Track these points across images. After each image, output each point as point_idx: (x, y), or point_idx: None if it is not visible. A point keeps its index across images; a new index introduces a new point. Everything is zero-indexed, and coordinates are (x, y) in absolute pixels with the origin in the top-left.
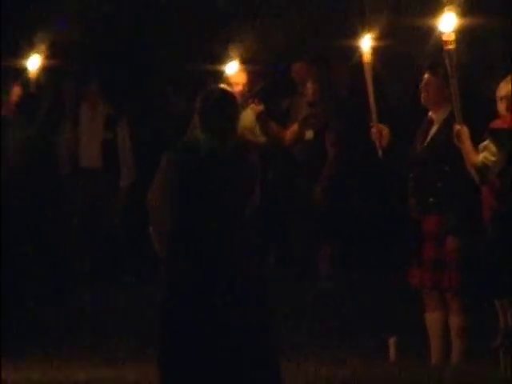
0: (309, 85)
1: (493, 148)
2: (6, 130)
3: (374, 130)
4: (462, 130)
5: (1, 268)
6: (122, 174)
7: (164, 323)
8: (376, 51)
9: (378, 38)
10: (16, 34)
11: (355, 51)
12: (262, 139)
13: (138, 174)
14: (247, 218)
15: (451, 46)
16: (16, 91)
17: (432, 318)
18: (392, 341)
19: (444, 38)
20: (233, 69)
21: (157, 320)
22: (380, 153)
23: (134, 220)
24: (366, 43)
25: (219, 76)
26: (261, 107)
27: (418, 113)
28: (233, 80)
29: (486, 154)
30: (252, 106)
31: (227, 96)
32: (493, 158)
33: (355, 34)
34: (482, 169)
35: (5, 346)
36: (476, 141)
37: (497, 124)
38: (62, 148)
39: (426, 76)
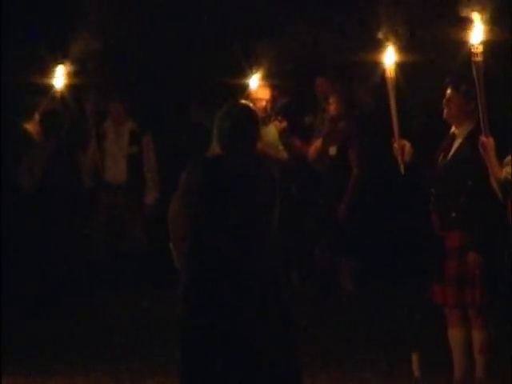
0: (331, 100)
1: None
2: (30, 146)
3: (396, 145)
4: (488, 141)
5: (20, 280)
6: (147, 191)
7: (183, 339)
8: (399, 66)
9: (402, 53)
10: (41, 51)
11: (378, 66)
12: (285, 155)
13: (163, 189)
14: (270, 234)
15: (479, 58)
16: (44, 108)
17: (455, 335)
18: (415, 356)
19: (472, 49)
20: (255, 83)
21: (176, 335)
22: (402, 169)
23: (157, 235)
24: (389, 58)
25: (243, 90)
26: (284, 124)
27: (441, 128)
28: (256, 95)
29: (508, 168)
30: (275, 122)
31: (246, 112)
32: None
33: (378, 49)
34: (505, 184)
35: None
36: (503, 155)
37: None
38: (85, 163)
39: (449, 91)
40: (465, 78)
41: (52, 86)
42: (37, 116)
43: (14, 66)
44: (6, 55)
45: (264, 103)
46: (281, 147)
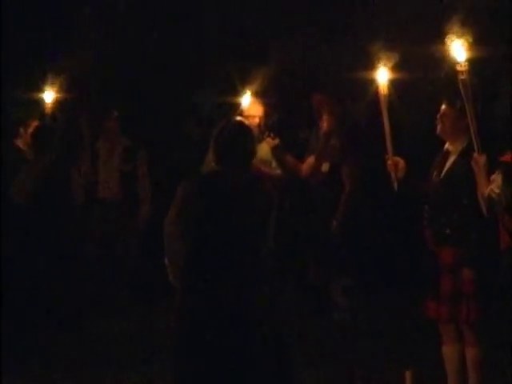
0: (324, 117)
1: (499, 181)
2: (21, 162)
3: (389, 162)
4: (479, 158)
5: (17, 296)
6: (141, 206)
7: (177, 353)
8: (392, 83)
9: (395, 70)
10: (33, 66)
11: (371, 83)
12: (278, 171)
13: (157, 205)
14: (264, 251)
15: (465, 76)
16: (33, 125)
17: (449, 351)
18: (408, 373)
19: (458, 68)
20: (247, 101)
21: (170, 349)
22: (395, 185)
23: (151, 251)
24: (382, 75)
25: (235, 108)
26: (276, 141)
27: (435, 144)
28: (249, 112)
29: (492, 185)
30: (267, 140)
31: (243, 129)
32: (497, 191)
33: (371, 66)
34: (488, 200)
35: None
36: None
37: (507, 157)
38: (77, 179)
39: (443, 107)
40: (460, 95)
41: (43, 102)
42: (22, 131)
43: (4, 81)
44: None
45: (257, 120)
46: (274, 164)
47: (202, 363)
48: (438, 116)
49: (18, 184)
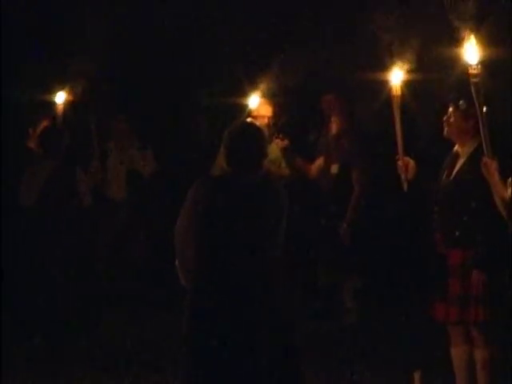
0: (333, 118)
1: None
2: (31, 163)
3: (399, 163)
4: (490, 162)
5: (26, 296)
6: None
7: (188, 355)
8: (404, 84)
9: (407, 71)
10: (44, 67)
11: (383, 84)
12: (286, 172)
13: (166, 206)
14: (275, 252)
15: (477, 79)
16: (44, 125)
17: (457, 353)
18: (417, 375)
19: (470, 70)
20: (255, 102)
21: (180, 351)
22: (405, 186)
23: (160, 251)
24: (396, 76)
25: (244, 108)
26: (285, 142)
27: (446, 146)
28: (258, 113)
29: None
30: (277, 140)
31: (253, 130)
32: None
33: (383, 67)
34: (510, 204)
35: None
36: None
37: None
38: (86, 181)
39: (450, 109)
40: (465, 96)
41: (53, 103)
42: (32, 132)
43: (15, 82)
44: (7, 71)
45: (266, 120)
46: (283, 165)
47: (212, 364)
48: (445, 118)
49: (24, 186)
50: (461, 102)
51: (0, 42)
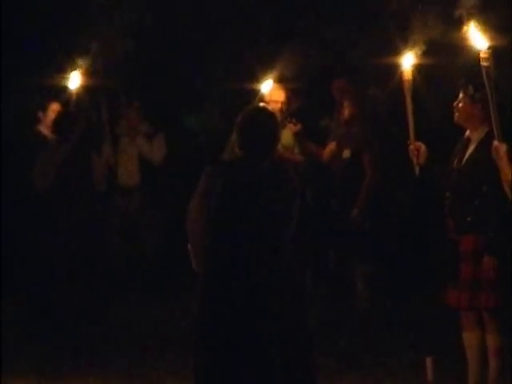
0: (346, 103)
1: None
2: (43, 147)
3: (411, 147)
4: (501, 146)
5: (38, 282)
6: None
7: (199, 339)
8: (416, 68)
9: (419, 56)
10: (56, 52)
11: (395, 68)
12: (300, 157)
13: (178, 191)
14: (287, 237)
15: (488, 63)
16: (54, 109)
17: (469, 338)
18: (429, 360)
19: (481, 54)
20: (268, 87)
21: (192, 335)
22: (417, 171)
23: (172, 237)
24: (408, 61)
25: (257, 94)
26: (298, 126)
27: (457, 131)
28: (271, 98)
29: None
30: (289, 125)
31: (266, 115)
32: None
33: (395, 51)
34: None
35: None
36: None
37: None
38: (99, 166)
39: (460, 95)
40: (473, 81)
41: (66, 88)
42: (42, 116)
43: (28, 67)
44: (19, 56)
45: (279, 105)
46: (296, 150)
47: (223, 349)
48: (455, 104)
49: (38, 170)
50: (469, 87)
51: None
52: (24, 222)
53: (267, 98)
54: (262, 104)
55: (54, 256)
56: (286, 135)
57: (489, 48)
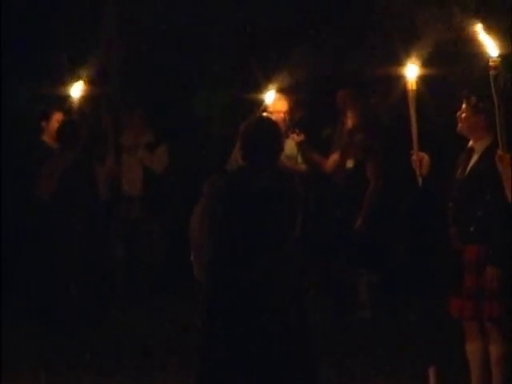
0: (349, 113)
1: None
2: (47, 156)
3: (414, 157)
4: (505, 156)
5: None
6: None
7: (202, 349)
8: (420, 79)
9: (423, 66)
10: (59, 60)
11: (399, 78)
12: (302, 167)
13: (180, 201)
14: (290, 247)
15: (496, 72)
16: (56, 118)
17: (472, 348)
18: (432, 370)
19: (490, 62)
20: (271, 97)
21: (195, 345)
22: (420, 181)
23: (176, 246)
24: (412, 71)
25: (259, 104)
26: (302, 136)
27: (460, 141)
28: (274, 108)
29: None
30: (293, 135)
31: (270, 125)
32: None
33: (399, 62)
34: None
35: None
36: None
37: None
38: (102, 175)
39: (463, 105)
40: (476, 91)
41: (69, 97)
42: (45, 125)
43: (31, 75)
44: (22, 65)
45: (282, 115)
46: (299, 160)
47: (226, 359)
48: (458, 114)
49: (42, 179)
50: (471, 97)
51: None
52: (26, 226)
53: (270, 109)
54: (264, 114)
55: (55, 262)
56: (289, 145)
57: (498, 56)
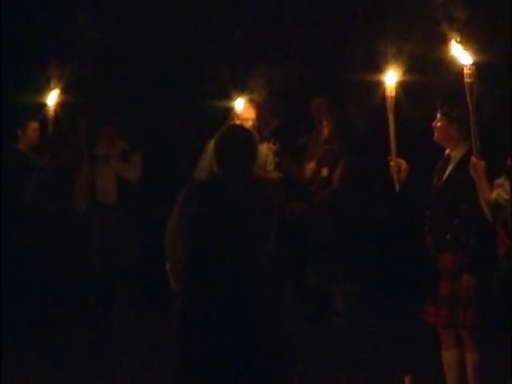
0: (325, 122)
1: (507, 186)
2: (23, 166)
3: (392, 164)
4: (479, 164)
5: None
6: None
7: (178, 359)
8: (398, 85)
9: (402, 73)
10: (34, 69)
11: (378, 85)
12: (274, 175)
13: (154, 209)
14: (265, 256)
15: (471, 79)
16: (32, 127)
17: (448, 356)
18: (408, 379)
19: (464, 70)
20: (241, 105)
21: (171, 355)
22: (398, 187)
23: (151, 256)
24: (390, 77)
25: (229, 112)
26: (277, 146)
27: (438, 148)
28: (242, 116)
29: (499, 191)
30: (269, 145)
31: (245, 133)
32: (506, 197)
33: (378, 68)
34: (495, 206)
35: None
36: (494, 178)
37: None
38: (78, 185)
39: (438, 115)
40: (448, 100)
41: (45, 105)
42: (21, 134)
43: (6, 85)
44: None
45: (250, 123)
46: (269, 168)
47: (201, 369)
48: (433, 124)
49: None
50: (444, 106)
51: None
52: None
53: (239, 117)
54: (237, 122)
55: (35, 272)
56: (260, 154)
57: (473, 64)
